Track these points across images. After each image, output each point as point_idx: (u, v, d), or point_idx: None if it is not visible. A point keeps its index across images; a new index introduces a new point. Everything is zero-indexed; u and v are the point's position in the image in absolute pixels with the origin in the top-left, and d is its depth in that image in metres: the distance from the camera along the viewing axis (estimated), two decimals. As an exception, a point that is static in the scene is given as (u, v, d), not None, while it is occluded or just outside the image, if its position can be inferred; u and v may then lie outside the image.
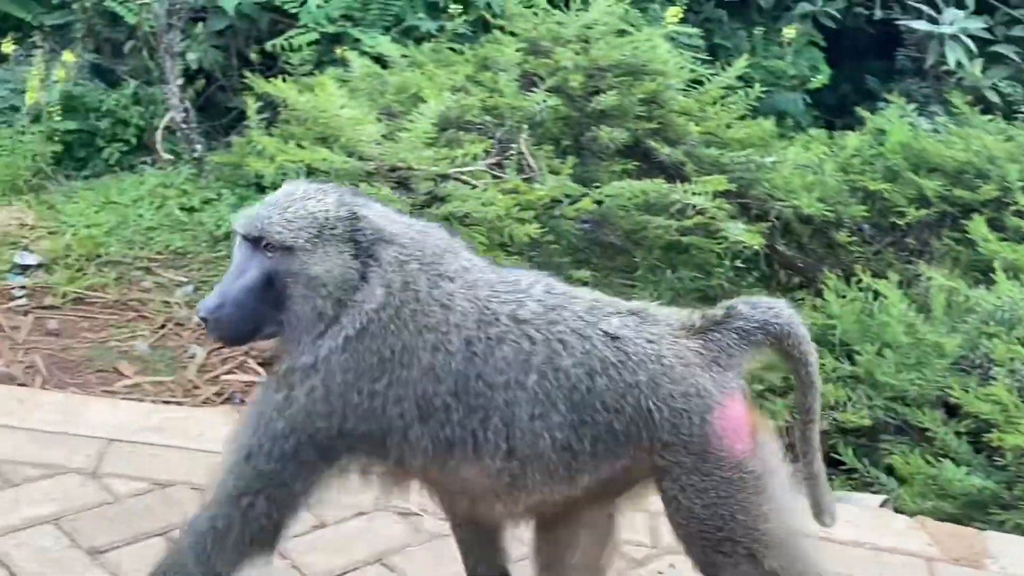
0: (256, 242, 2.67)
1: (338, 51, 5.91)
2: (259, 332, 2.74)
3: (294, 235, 2.66)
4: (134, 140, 6.23)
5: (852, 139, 5.85)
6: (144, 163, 6.19)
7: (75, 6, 6.46)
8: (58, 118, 6.02)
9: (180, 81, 6.09)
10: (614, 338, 2.76)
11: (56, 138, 6.02)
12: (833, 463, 4.46)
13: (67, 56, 6.17)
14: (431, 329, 2.71)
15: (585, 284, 4.92)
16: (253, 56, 6.30)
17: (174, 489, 3.80)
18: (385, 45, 5.67)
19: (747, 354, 2.83)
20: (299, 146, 4.82)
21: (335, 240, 2.69)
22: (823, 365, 4.52)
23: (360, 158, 4.70)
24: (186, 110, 6.04)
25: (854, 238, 5.42)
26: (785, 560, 2.85)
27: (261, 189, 5.80)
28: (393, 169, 4.69)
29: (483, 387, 2.72)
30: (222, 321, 2.69)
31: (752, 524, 2.80)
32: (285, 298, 2.68)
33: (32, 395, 4.40)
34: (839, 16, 8.09)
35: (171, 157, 6.14)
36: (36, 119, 6.04)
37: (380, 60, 5.61)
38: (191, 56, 6.25)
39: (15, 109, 6.13)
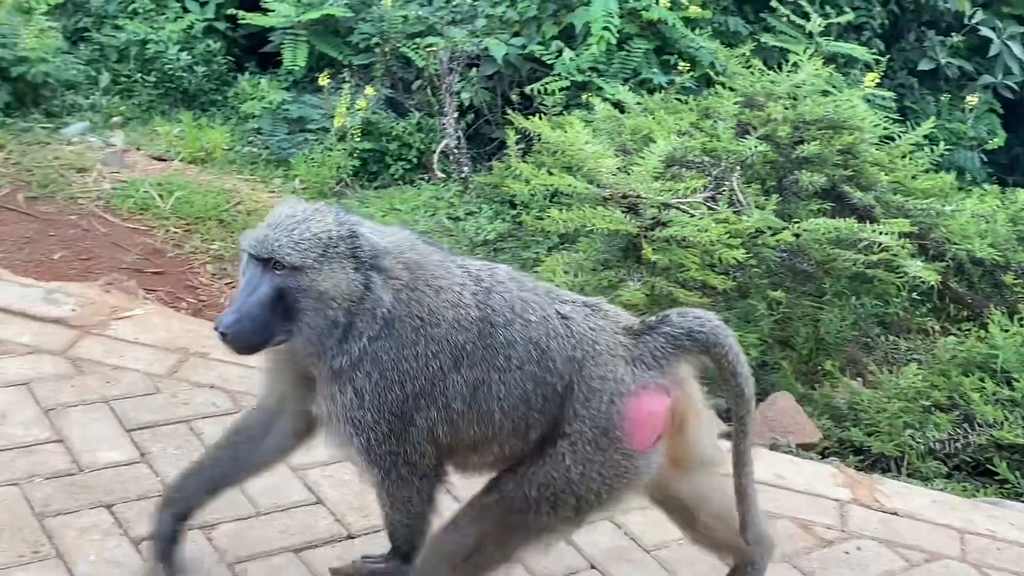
0: (266, 262, 2.56)
1: (584, 96, 6.00)
2: (271, 341, 2.61)
3: (302, 256, 2.55)
4: (415, 160, 6.45)
5: (1021, 194, 5.65)
6: (422, 179, 6.41)
7: (377, 50, 6.72)
8: (358, 139, 6.28)
9: (455, 115, 6.29)
10: (564, 317, 2.72)
11: (355, 155, 6.28)
12: (989, 474, 4.31)
13: (369, 90, 6.43)
14: (447, 290, 2.65)
15: (779, 304, 4.92)
16: (514, 97, 6.43)
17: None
18: (624, 94, 5.72)
19: (675, 357, 2.70)
20: (549, 173, 4.92)
21: (339, 257, 2.58)
22: (983, 389, 4.38)
23: (598, 185, 4.76)
24: (458, 138, 6.23)
25: (1019, 280, 5.23)
26: (559, 521, 2.74)
27: (513, 206, 5.96)
28: (625, 196, 4.73)
29: (491, 328, 2.66)
30: (240, 334, 2.56)
31: (598, 502, 2.71)
32: (296, 311, 2.57)
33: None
34: (1016, 88, 7.83)
35: (443, 176, 6.33)
36: (341, 138, 6.30)
37: (619, 106, 5.66)
38: (465, 95, 6.42)
39: (326, 130, 6.39)
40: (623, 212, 4.64)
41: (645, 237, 4.60)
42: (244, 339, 2.58)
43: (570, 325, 2.72)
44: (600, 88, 6.10)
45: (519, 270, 2.83)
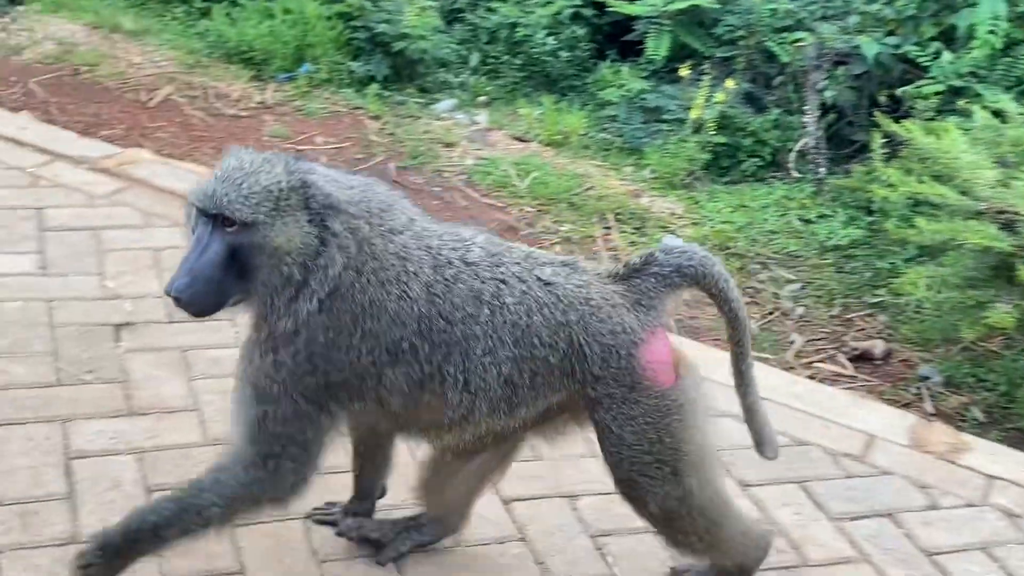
0: (215, 218, 2.45)
1: (960, 103, 5.68)
2: (226, 301, 2.51)
3: (253, 210, 2.43)
4: (768, 157, 6.32)
5: None
6: (774, 177, 6.27)
7: (741, 43, 6.66)
8: (712, 132, 6.23)
9: (816, 113, 6.13)
10: (547, 283, 2.64)
11: (708, 148, 6.24)
12: None
13: (728, 83, 6.36)
14: (392, 282, 2.53)
15: None
16: (882, 98, 6.18)
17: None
18: (1006, 102, 5.37)
19: (667, 295, 2.71)
20: (919, 180, 4.71)
21: (291, 210, 2.45)
22: None
23: (973, 198, 4.51)
24: (818, 138, 6.07)
25: None
26: (701, 479, 2.75)
27: (869, 212, 5.74)
28: (1001, 212, 4.45)
29: (444, 324, 2.57)
30: (194, 297, 2.46)
31: (676, 446, 2.69)
32: (250, 268, 2.46)
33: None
34: None
35: (798, 175, 6.18)
36: (696, 131, 6.27)
37: (999, 115, 5.33)
38: (828, 93, 6.23)
39: (680, 121, 6.38)
40: (998, 228, 4.37)
41: (1021, 257, 4.31)
42: (198, 302, 2.48)
43: (555, 290, 2.64)
44: (978, 95, 5.75)
45: (497, 239, 2.72)
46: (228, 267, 2.46)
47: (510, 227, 5.82)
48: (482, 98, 6.86)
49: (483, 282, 2.60)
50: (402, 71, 6.75)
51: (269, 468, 2.60)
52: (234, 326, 3.86)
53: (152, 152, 5.21)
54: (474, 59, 7.07)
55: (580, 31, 7.06)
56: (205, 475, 2.67)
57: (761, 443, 2.88)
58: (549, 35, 6.95)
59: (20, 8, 6.78)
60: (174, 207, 4.58)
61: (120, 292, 4.03)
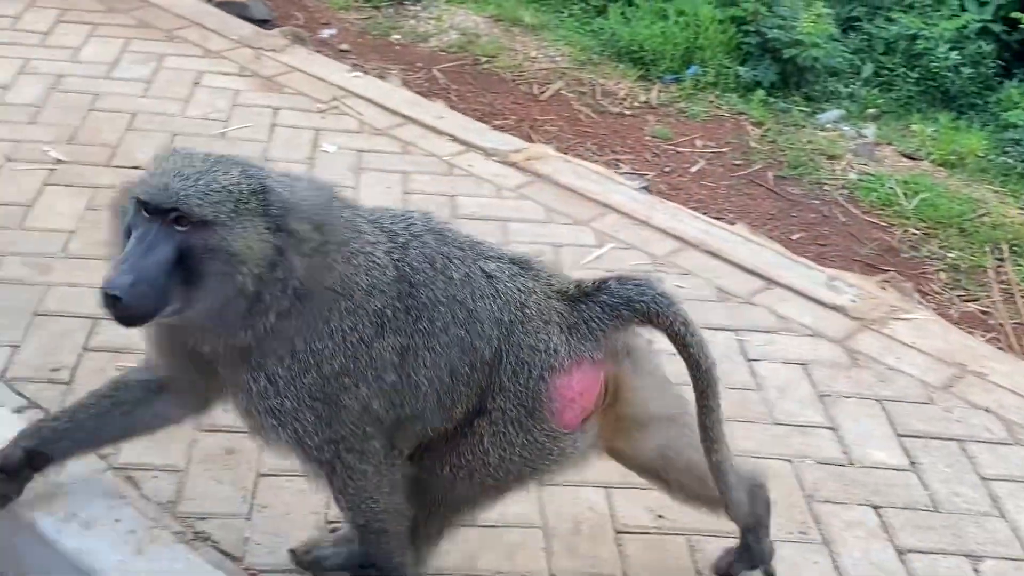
0: (166, 214, 2.20)
1: None
2: (163, 310, 2.23)
3: (213, 209, 2.20)
4: None
5: None
6: None
7: None
8: None
9: None
10: (489, 276, 2.45)
11: None
12: None
13: None
14: (358, 253, 2.36)
15: None
16: None
17: None
18: None
19: (612, 328, 2.44)
20: None
21: (249, 215, 2.23)
22: None
23: None
24: None
25: None
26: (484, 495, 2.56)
27: None
28: None
29: (411, 289, 2.39)
30: (134, 299, 2.18)
31: (516, 476, 2.50)
32: (199, 275, 2.21)
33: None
34: None
35: None
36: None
37: None
38: None
39: (1097, 151, 5.85)
40: None
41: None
42: (137, 305, 2.21)
43: (496, 285, 2.44)
44: None
45: (437, 219, 2.56)
46: (174, 271, 2.22)
47: (891, 248, 5.53)
48: (871, 111, 6.56)
49: (433, 251, 2.46)
50: (790, 78, 6.54)
51: (340, 471, 2.47)
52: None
53: (555, 149, 5.29)
54: (867, 70, 6.76)
55: (987, 47, 6.59)
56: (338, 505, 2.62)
57: (728, 506, 2.61)
58: (952, 49, 6.53)
59: (430, -2, 7.11)
60: (575, 205, 4.68)
61: (522, 284, 4.10)
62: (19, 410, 3.18)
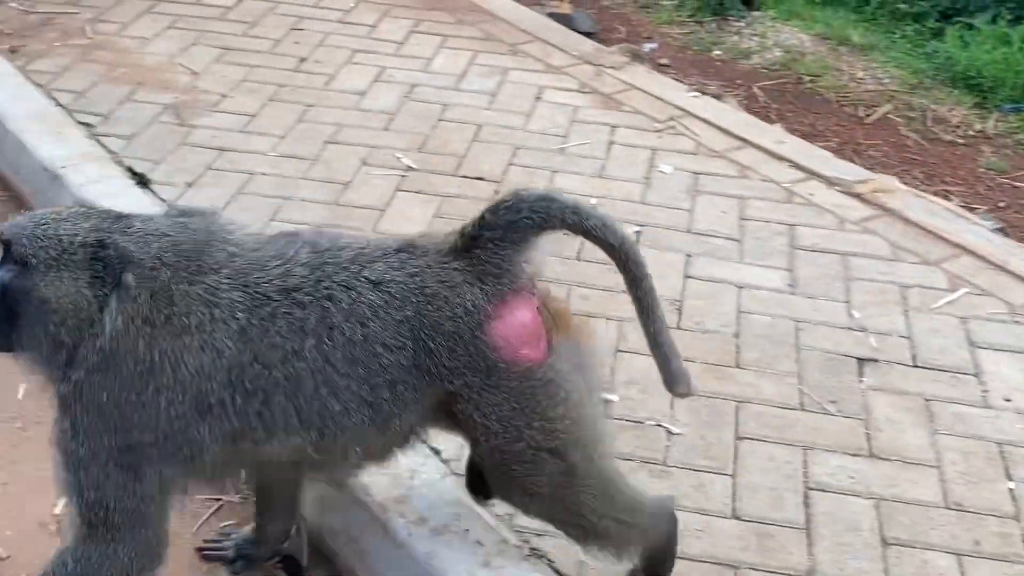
0: (6, 247, 2.29)
1: None
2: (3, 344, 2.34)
3: (34, 252, 2.25)
4: None
5: None
6: None
7: None
8: None
9: None
10: (376, 283, 2.37)
11: None
12: None
13: None
14: (193, 330, 2.28)
15: None
16: None
17: None
18: None
19: (515, 255, 2.40)
20: None
21: (72, 267, 2.24)
22: None
23: None
24: None
25: None
26: (586, 455, 2.51)
27: None
28: None
29: (260, 369, 2.31)
30: None
31: (550, 428, 2.44)
32: (19, 316, 2.27)
33: None
34: None
35: None
36: None
37: None
38: None
39: None
40: None
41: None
42: None
43: (387, 288, 2.37)
44: None
45: (327, 245, 2.44)
46: (1, 308, 2.31)
47: None
48: None
49: (304, 308, 2.35)
50: None
51: (100, 539, 2.39)
52: (981, 384, 3.65)
53: (903, 183, 5.09)
54: None
55: None
56: (55, 554, 2.51)
57: (669, 381, 2.52)
58: None
59: (756, 14, 6.99)
60: (924, 243, 4.48)
61: (865, 325, 4.00)
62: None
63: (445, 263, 2.44)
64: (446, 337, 2.39)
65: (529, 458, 2.49)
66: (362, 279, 2.39)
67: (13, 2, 5.93)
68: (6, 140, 4.68)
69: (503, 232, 2.41)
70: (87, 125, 4.81)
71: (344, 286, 2.38)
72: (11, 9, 5.87)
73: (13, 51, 5.39)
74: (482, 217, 2.45)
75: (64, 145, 4.59)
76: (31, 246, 2.28)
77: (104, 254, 2.27)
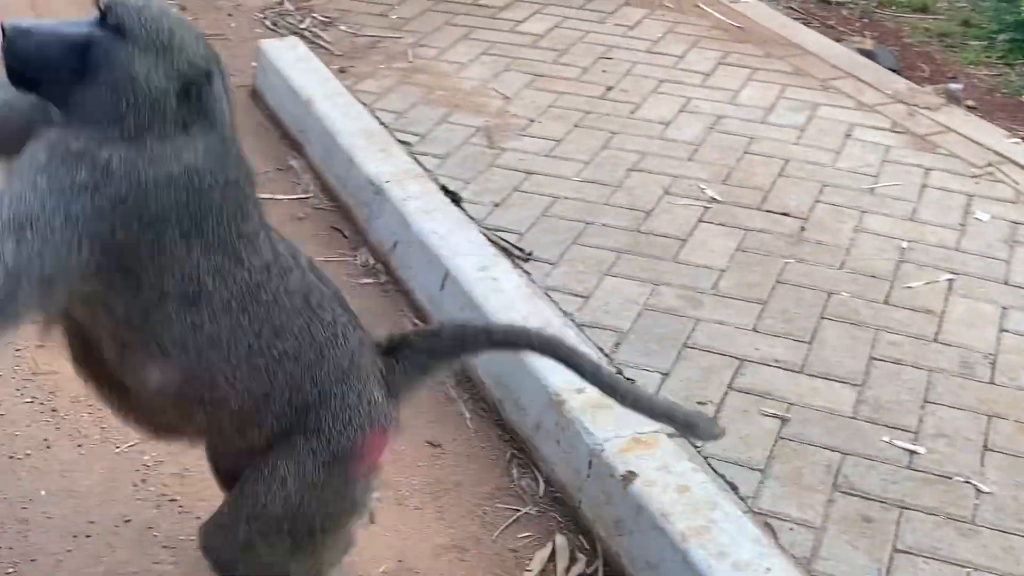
0: (106, 12, 2.09)
1: None
2: (39, 86, 2.08)
3: (144, 28, 2.06)
4: None
5: None
6: None
7: None
8: None
9: None
10: (332, 325, 2.41)
11: None
12: None
13: None
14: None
15: None
16: None
17: None
18: None
19: (417, 384, 2.54)
20: None
21: (170, 66, 2.06)
22: None
23: None
24: None
25: None
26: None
27: None
28: None
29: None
30: (17, 47, 2.05)
31: (322, 533, 2.43)
32: (91, 77, 2.06)
33: None
34: None
35: None
36: None
37: None
38: None
39: None
40: None
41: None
42: (16, 55, 2.08)
43: (343, 333, 2.38)
44: None
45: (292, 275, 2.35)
46: (71, 56, 2.07)
47: None
48: None
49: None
50: None
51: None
52: None
53: None
54: None
55: None
56: None
57: (691, 431, 2.71)
58: None
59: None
60: None
61: None
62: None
63: (374, 350, 2.51)
64: (345, 407, 2.39)
65: (275, 540, 2.45)
66: (319, 318, 2.40)
67: (343, 25, 6.36)
68: (337, 154, 5.03)
69: (421, 360, 2.52)
70: (406, 144, 5.10)
71: (327, 317, 2.42)
72: (341, 32, 6.30)
73: (342, 71, 5.78)
74: (408, 337, 2.57)
75: (388, 162, 4.89)
76: (140, 21, 2.08)
77: (205, 90, 2.12)
